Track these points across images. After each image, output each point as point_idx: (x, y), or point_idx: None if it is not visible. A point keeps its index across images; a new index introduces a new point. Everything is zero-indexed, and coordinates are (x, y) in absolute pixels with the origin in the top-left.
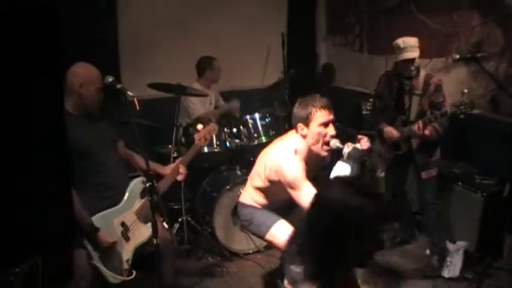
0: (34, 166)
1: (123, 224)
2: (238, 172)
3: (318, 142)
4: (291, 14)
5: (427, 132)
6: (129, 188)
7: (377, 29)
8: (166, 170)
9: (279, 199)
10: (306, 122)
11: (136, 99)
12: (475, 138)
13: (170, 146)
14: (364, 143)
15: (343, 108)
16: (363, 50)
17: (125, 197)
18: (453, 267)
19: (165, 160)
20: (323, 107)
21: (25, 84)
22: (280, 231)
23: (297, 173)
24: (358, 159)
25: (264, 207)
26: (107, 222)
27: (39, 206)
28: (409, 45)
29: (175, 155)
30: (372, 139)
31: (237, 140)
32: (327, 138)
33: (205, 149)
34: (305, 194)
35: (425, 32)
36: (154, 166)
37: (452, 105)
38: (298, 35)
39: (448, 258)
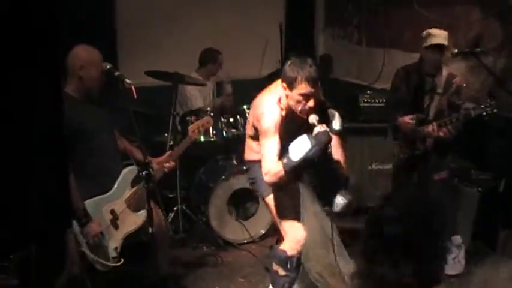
0: (31, 154)
1: (112, 211)
2: (235, 162)
3: (296, 108)
4: (290, 4)
5: (441, 133)
6: (120, 176)
7: (376, 22)
8: (154, 163)
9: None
10: (289, 86)
11: (134, 87)
12: (471, 133)
13: (167, 134)
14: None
15: (341, 100)
16: (361, 43)
17: (116, 185)
18: (458, 264)
19: (161, 148)
20: (307, 79)
21: (24, 78)
22: (278, 201)
23: (272, 123)
24: (322, 143)
25: None
26: (97, 209)
27: (36, 194)
28: (435, 34)
29: (171, 143)
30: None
31: (233, 130)
32: (305, 108)
33: (202, 138)
34: (268, 145)
35: (424, 25)
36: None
37: (475, 107)
38: (296, 25)
39: (451, 256)
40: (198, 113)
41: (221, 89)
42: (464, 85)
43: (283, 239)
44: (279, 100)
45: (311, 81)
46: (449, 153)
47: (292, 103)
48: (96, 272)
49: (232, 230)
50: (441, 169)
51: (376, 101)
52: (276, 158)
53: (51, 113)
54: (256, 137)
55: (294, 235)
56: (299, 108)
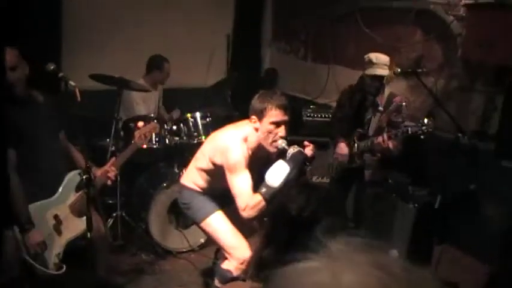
0: None
1: (55, 216)
2: (176, 170)
3: (267, 139)
4: (237, 16)
5: (390, 145)
6: (64, 181)
7: (322, 38)
8: (98, 172)
9: (219, 186)
10: (260, 116)
11: (78, 89)
12: (410, 150)
13: (109, 139)
14: (308, 151)
15: None
16: (307, 58)
17: (60, 190)
18: None
19: (102, 153)
20: (278, 106)
21: None
22: (216, 223)
23: (240, 158)
24: (300, 163)
25: (204, 191)
26: (40, 214)
27: None
28: (381, 62)
29: (113, 149)
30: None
31: (176, 138)
32: (276, 138)
33: (144, 145)
34: (240, 180)
35: (368, 44)
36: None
37: (412, 126)
38: (243, 37)
39: None
40: (142, 119)
41: (167, 98)
42: (405, 103)
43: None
44: (245, 139)
45: (282, 107)
46: (390, 168)
47: (262, 135)
48: (35, 276)
49: (172, 238)
50: (379, 183)
51: (319, 115)
52: (251, 191)
53: None
54: (207, 171)
55: (239, 255)
56: (270, 140)
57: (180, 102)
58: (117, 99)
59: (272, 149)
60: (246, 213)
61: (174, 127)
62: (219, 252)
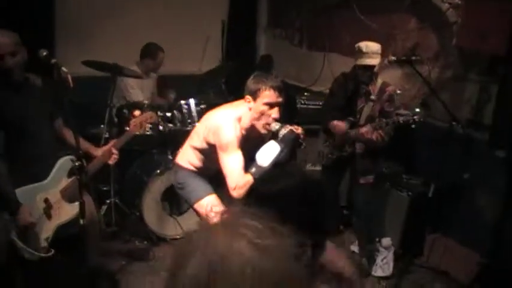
0: None
1: (46, 200)
2: (170, 157)
3: (259, 119)
4: (233, 2)
5: (373, 137)
6: (56, 165)
7: (317, 26)
8: (99, 151)
9: (213, 165)
10: (253, 96)
11: (71, 76)
12: (404, 139)
13: (102, 126)
14: (299, 130)
15: None
16: (302, 45)
17: (52, 174)
18: (387, 266)
19: (96, 140)
20: (272, 88)
21: None
22: (209, 205)
23: (233, 137)
24: (291, 142)
25: (199, 171)
26: (30, 196)
27: None
28: (371, 51)
29: (107, 136)
30: (308, 134)
31: (170, 125)
32: (268, 119)
33: (137, 132)
34: (231, 160)
35: (363, 32)
36: (87, 146)
37: (402, 114)
38: (239, 24)
39: (380, 257)
40: (136, 106)
41: (164, 92)
42: (399, 92)
43: None
44: (239, 119)
45: (276, 89)
46: (378, 158)
47: (255, 115)
48: (25, 261)
49: (165, 225)
50: (369, 173)
51: (313, 103)
52: (242, 171)
53: None
54: (202, 150)
55: None
56: (263, 121)
57: (175, 88)
58: (111, 85)
59: (264, 131)
60: (236, 192)
61: (168, 114)
62: None
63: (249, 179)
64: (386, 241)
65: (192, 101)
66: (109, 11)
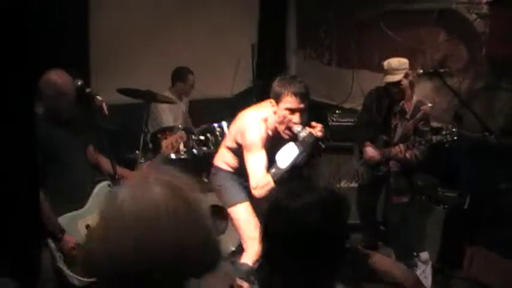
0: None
1: (87, 226)
2: (205, 179)
3: (281, 124)
4: (262, 24)
5: (407, 155)
6: (94, 191)
7: (346, 43)
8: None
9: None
10: (276, 100)
11: (105, 104)
12: (438, 152)
13: (138, 151)
14: (318, 131)
15: (311, 119)
16: (332, 63)
17: (90, 200)
18: (425, 280)
19: (132, 166)
20: (294, 94)
21: None
22: (242, 213)
23: (257, 137)
24: (310, 146)
25: (235, 171)
26: (72, 224)
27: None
28: (391, 68)
29: (142, 161)
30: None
31: (204, 148)
32: (290, 124)
33: (173, 156)
34: (254, 160)
35: (392, 47)
36: (122, 171)
37: (436, 132)
38: (268, 46)
39: (418, 271)
40: (169, 130)
41: (194, 109)
42: (431, 105)
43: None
44: (266, 119)
45: (299, 95)
46: (413, 177)
47: (278, 119)
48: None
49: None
50: (403, 192)
51: (345, 120)
52: (264, 171)
53: (24, 134)
54: (234, 150)
55: (256, 249)
56: (284, 126)
57: (207, 112)
58: (145, 111)
59: (286, 136)
60: (257, 192)
61: (202, 137)
62: (236, 252)
63: (269, 179)
64: (424, 255)
65: (224, 124)
66: (141, 37)
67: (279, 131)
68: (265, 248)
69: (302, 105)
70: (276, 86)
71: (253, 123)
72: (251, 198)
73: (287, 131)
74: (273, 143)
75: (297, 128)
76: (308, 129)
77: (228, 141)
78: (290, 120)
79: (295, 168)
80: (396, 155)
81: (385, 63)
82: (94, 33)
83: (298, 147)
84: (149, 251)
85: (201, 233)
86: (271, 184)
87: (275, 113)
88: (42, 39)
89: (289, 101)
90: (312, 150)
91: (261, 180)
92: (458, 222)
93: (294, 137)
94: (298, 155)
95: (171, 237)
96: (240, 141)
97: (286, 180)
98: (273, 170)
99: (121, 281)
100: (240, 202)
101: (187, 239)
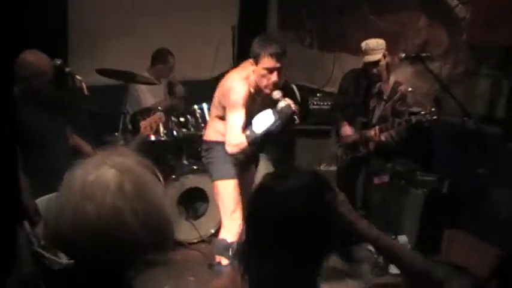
0: None
1: None
2: (185, 162)
3: (261, 82)
4: (243, 7)
5: (382, 138)
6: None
7: (328, 26)
8: None
9: None
10: (255, 60)
11: (85, 84)
12: (418, 137)
13: (117, 133)
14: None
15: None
16: (313, 46)
17: None
18: None
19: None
20: (271, 55)
21: None
22: (227, 188)
23: (240, 96)
24: (286, 117)
25: None
26: (49, 206)
27: None
28: (369, 48)
29: (122, 143)
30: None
31: (184, 130)
32: (268, 83)
33: (153, 138)
34: (233, 117)
35: (374, 31)
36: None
37: (416, 113)
38: (249, 28)
39: None
40: (149, 112)
41: (172, 89)
42: (410, 89)
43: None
44: (247, 77)
45: (275, 56)
46: (391, 158)
47: (257, 78)
48: (49, 270)
49: (182, 230)
50: (383, 172)
51: (326, 103)
52: (240, 130)
53: (2, 116)
54: (223, 117)
55: (235, 226)
56: (264, 83)
57: (187, 94)
58: (124, 93)
59: (267, 91)
60: (230, 149)
61: (182, 119)
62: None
63: (243, 140)
64: (402, 238)
65: (205, 105)
66: (120, 19)
67: (259, 89)
68: (248, 229)
69: (279, 65)
70: (255, 46)
71: (236, 82)
72: (242, 171)
73: (267, 89)
74: (252, 103)
75: (276, 95)
76: (288, 100)
77: (216, 110)
78: (269, 79)
79: (269, 135)
80: (372, 138)
81: (363, 44)
82: (72, 15)
83: (274, 115)
84: (93, 225)
85: (151, 211)
86: (245, 144)
87: (254, 71)
88: (19, 19)
89: (267, 61)
90: (286, 121)
91: (236, 138)
92: (437, 206)
93: (271, 102)
94: (274, 123)
95: (114, 213)
96: (224, 103)
97: (259, 144)
98: (248, 133)
99: (77, 255)
100: (228, 178)
101: (133, 216)
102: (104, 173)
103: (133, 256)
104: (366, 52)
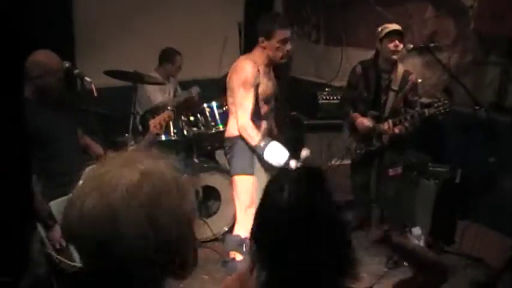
0: None
1: None
2: (196, 160)
3: (277, 55)
4: (248, 3)
5: (396, 131)
6: (83, 176)
7: (333, 20)
8: None
9: (260, 119)
10: (267, 36)
11: (94, 85)
12: (429, 127)
13: (127, 134)
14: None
15: (299, 98)
16: (319, 41)
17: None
18: None
19: (122, 149)
20: (282, 27)
21: None
22: (245, 184)
23: (248, 76)
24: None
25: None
26: (61, 209)
27: None
28: (386, 27)
29: (132, 143)
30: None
31: (194, 128)
32: (285, 52)
33: (163, 137)
34: (243, 96)
35: (380, 23)
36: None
37: (429, 105)
38: (255, 24)
39: None
40: (158, 110)
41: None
42: (420, 81)
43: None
44: (254, 60)
45: (286, 26)
46: (405, 150)
47: (272, 53)
48: (63, 272)
49: (195, 228)
50: (397, 165)
51: (335, 98)
52: (250, 112)
53: (13, 118)
54: None
55: (249, 222)
56: (280, 54)
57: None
58: (133, 93)
59: (282, 60)
60: (241, 129)
61: (192, 118)
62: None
63: (254, 136)
64: (416, 230)
65: (214, 104)
66: (125, 19)
67: (267, 70)
68: (256, 229)
69: (290, 34)
70: (264, 24)
71: (243, 64)
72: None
73: (283, 60)
74: (268, 80)
75: (304, 154)
76: (308, 152)
77: (232, 106)
78: (284, 49)
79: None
80: (385, 132)
81: (379, 28)
82: (79, 17)
83: (289, 159)
84: (107, 226)
85: (167, 224)
86: (251, 141)
87: (265, 47)
88: (26, 22)
89: (280, 33)
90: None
91: (248, 127)
92: (450, 196)
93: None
94: (284, 163)
95: (128, 215)
96: (233, 85)
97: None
98: (262, 144)
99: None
100: (246, 173)
101: (147, 222)
102: (127, 173)
103: (145, 264)
104: (385, 28)
